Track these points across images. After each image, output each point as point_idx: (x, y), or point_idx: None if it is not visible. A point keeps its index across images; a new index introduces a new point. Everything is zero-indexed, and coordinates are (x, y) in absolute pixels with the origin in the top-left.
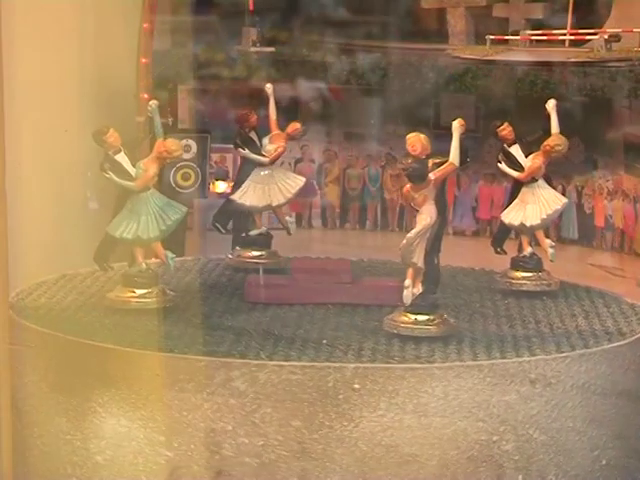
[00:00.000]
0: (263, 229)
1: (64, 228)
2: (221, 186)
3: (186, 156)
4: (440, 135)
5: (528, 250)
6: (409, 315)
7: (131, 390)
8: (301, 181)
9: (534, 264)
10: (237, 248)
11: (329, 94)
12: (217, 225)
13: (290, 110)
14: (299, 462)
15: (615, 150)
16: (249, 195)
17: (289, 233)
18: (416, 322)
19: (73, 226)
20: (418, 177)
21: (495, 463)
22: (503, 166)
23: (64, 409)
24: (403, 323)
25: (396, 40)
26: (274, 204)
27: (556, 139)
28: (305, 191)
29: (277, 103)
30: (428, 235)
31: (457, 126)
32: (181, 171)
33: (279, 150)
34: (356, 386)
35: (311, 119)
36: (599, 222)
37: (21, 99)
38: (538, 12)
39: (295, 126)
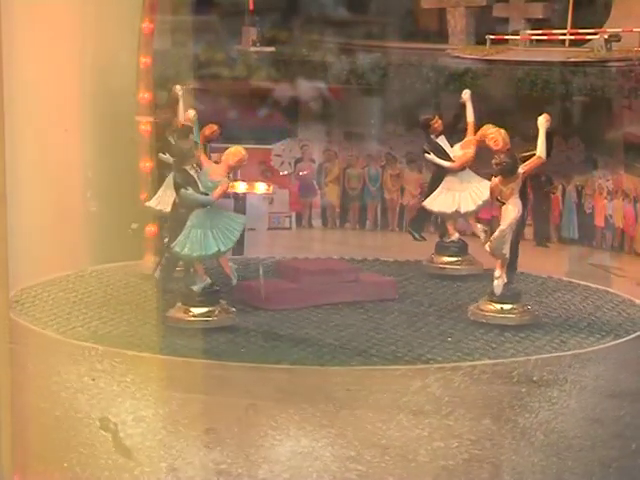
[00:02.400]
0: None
1: (64, 228)
2: None
3: None
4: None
5: (455, 235)
6: (494, 304)
7: (316, 408)
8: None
9: (461, 248)
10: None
11: (329, 94)
12: (132, 233)
13: (290, 110)
14: (489, 459)
15: (615, 150)
16: (166, 201)
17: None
18: (502, 311)
19: (73, 226)
20: (510, 171)
21: (624, 436)
22: (432, 157)
23: (218, 439)
24: (496, 312)
25: (396, 40)
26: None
27: (489, 129)
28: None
29: (278, 103)
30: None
31: (543, 121)
32: None
33: (197, 154)
34: (535, 378)
35: (311, 119)
36: (599, 222)
37: (21, 99)
38: (538, 12)
39: (212, 128)
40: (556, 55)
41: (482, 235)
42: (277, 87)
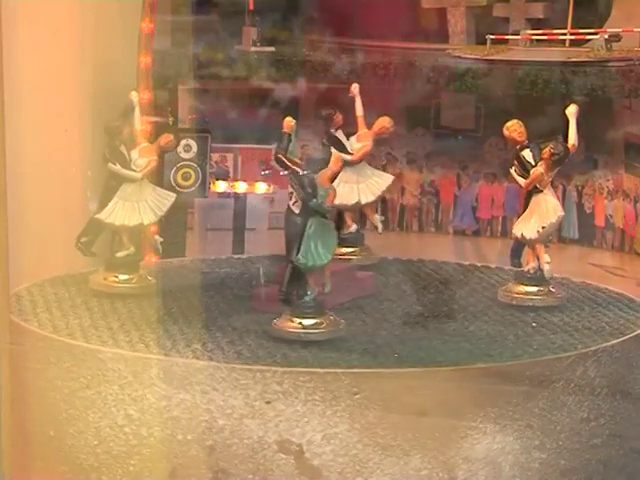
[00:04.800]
0: (131, 250)
1: (64, 228)
2: (221, 186)
3: (186, 156)
4: (440, 135)
5: (353, 227)
6: (525, 287)
7: (509, 403)
8: (172, 197)
9: (358, 239)
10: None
11: (329, 94)
12: (81, 247)
13: (290, 110)
14: (620, 434)
15: (615, 149)
16: (118, 213)
17: (158, 254)
18: (537, 293)
19: (73, 226)
20: (564, 160)
21: None
22: (333, 150)
23: (419, 446)
24: (535, 295)
25: (396, 40)
26: (145, 222)
27: (383, 122)
28: None
29: (277, 103)
30: None
31: (573, 110)
32: (181, 171)
33: (152, 164)
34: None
35: (311, 119)
36: (599, 222)
37: (21, 99)
38: (538, 12)
39: (168, 138)
40: (556, 55)
41: (379, 225)
42: (277, 87)
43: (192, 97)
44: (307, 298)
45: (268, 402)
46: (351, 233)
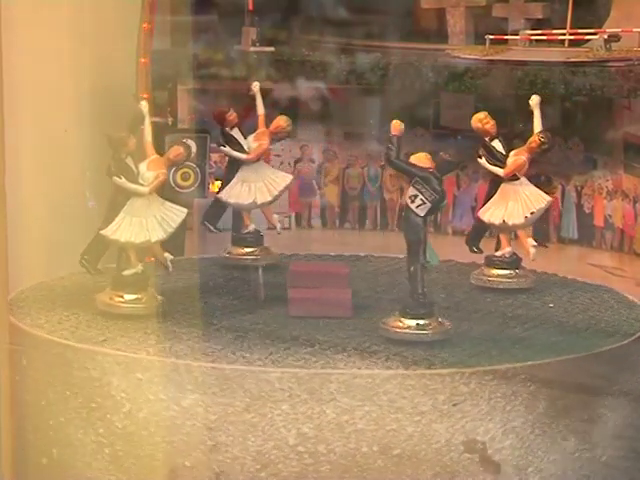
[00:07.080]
0: (139, 268)
1: (64, 228)
2: None
3: None
4: (440, 135)
5: (251, 227)
6: (498, 270)
7: (628, 382)
8: (183, 213)
9: (257, 239)
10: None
11: (329, 94)
12: (85, 264)
13: (290, 110)
14: None
15: (614, 150)
16: (124, 230)
17: (169, 269)
18: (509, 276)
19: (73, 226)
20: (551, 149)
21: None
22: (228, 149)
23: (574, 430)
24: (507, 278)
25: (396, 40)
26: (153, 240)
27: (279, 121)
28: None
29: (276, 103)
30: None
31: (536, 101)
32: (180, 171)
33: (160, 178)
34: None
35: (311, 119)
36: (599, 222)
37: (21, 99)
38: (538, 12)
39: (178, 150)
40: (556, 55)
41: (277, 225)
42: (277, 87)
43: (191, 97)
44: (421, 299)
45: (455, 404)
46: (250, 233)
